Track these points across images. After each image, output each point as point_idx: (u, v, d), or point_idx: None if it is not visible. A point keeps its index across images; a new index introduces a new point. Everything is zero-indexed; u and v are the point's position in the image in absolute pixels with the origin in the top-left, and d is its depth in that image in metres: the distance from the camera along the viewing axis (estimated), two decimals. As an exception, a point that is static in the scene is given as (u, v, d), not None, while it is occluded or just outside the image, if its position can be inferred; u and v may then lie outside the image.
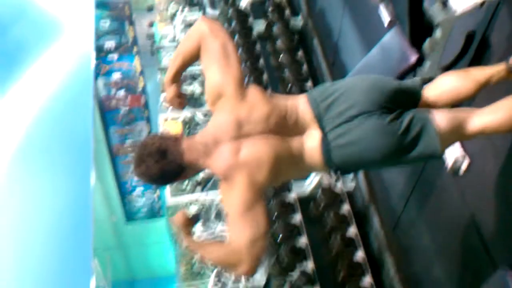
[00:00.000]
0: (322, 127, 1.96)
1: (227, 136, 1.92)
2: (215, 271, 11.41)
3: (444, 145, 1.99)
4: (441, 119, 1.98)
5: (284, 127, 1.96)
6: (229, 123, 1.94)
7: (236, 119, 1.94)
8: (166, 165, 1.90)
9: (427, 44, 2.64)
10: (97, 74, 12.39)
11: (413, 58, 2.64)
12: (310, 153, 1.96)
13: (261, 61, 6.12)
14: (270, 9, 6.40)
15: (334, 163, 1.95)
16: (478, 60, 2.85)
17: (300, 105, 2.01)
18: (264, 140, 1.92)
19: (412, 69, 2.71)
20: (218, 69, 1.97)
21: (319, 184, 5.12)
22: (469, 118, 2.03)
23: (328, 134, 1.94)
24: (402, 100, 2.03)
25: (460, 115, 2.03)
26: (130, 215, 15.45)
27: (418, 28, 2.53)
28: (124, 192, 14.70)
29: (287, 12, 6.45)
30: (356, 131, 1.92)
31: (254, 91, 2.00)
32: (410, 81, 2.22)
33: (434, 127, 1.96)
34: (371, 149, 1.92)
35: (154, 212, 15.85)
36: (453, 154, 3.18)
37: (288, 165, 1.96)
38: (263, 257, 1.90)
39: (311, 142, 1.97)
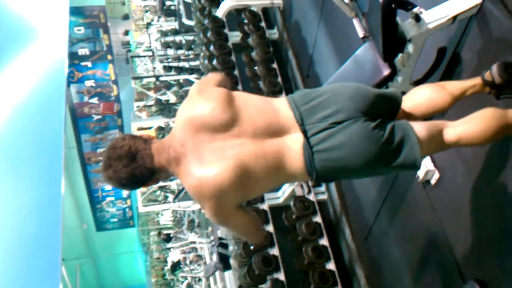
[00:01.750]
0: (304, 131, 1.91)
1: (194, 143, 1.87)
2: (186, 282, 11.32)
3: (423, 155, 2.00)
4: (419, 129, 2.00)
5: (262, 131, 1.90)
6: (198, 127, 1.89)
7: (206, 122, 1.89)
8: (136, 169, 1.83)
9: (399, 58, 2.69)
10: (70, 81, 12.28)
11: (386, 72, 2.68)
12: (290, 157, 1.90)
13: (236, 71, 6.13)
14: (246, 20, 6.43)
15: (315, 169, 1.90)
16: (449, 75, 2.91)
17: (280, 108, 1.96)
18: (231, 155, 1.84)
19: (385, 83, 2.74)
20: None
21: (291, 195, 5.13)
22: (444, 129, 2.06)
23: (310, 138, 1.90)
24: (383, 107, 2.03)
25: (436, 127, 2.06)
26: (100, 224, 15.27)
27: (391, 42, 2.57)
28: (95, 201, 14.53)
29: (263, 24, 6.49)
30: (340, 136, 1.88)
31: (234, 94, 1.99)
32: (391, 90, 2.22)
33: (416, 136, 1.97)
34: (354, 155, 1.89)
35: (125, 222, 15.70)
36: (424, 166, 3.23)
37: (263, 174, 1.88)
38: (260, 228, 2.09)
39: (292, 146, 1.90)
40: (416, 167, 1.99)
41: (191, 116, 1.90)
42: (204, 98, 1.92)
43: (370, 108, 1.94)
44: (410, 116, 2.14)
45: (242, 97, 1.97)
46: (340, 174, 1.98)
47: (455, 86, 2.26)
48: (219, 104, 1.89)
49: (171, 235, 14.02)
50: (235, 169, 1.82)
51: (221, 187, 1.81)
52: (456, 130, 2.05)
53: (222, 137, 1.87)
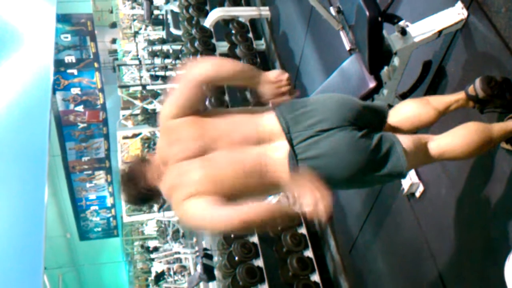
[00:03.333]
0: (289, 140, 1.89)
1: (174, 157, 1.91)
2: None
3: (409, 166, 2.00)
4: (405, 141, 2.01)
5: (246, 141, 1.89)
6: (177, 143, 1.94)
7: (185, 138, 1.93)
8: (137, 191, 1.98)
9: (385, 71, 2.71)
10: (55, 88, 12.20)
11: (371, 85, 2.69)
12: (275, 166, 1.88)
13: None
14: (233, 31, 6.46)
15: None
16: (434, 88, 2.93)
17: (265, 117, 1.95)
18: (210, 162, 1.86)
19: (370, 96, 2.76)
20: None
21: (276, 206, 5.12)
22: (428, 143, 2.07)
23: (296, 146, 1.87)
24: (370, 118, 2.03)
25: (421, 140, 2.07)
26: (84, 233, 15.11)
27: (377, 55, 2.59)
28: (79, 210, 14.39)
29: (250, 34, 6.52)
30: (326, 144, 1.87)
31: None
32: (378, 102, 2.23)
33: (402, 148, 1.97)
34: (340, 163, 1.87)
35: (109, 231, 15.56)
36: (409, 179, 3.24)
37: (246, 182, 1.87)
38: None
39: (277, 155, 1.88)
40: (402, 176, 2.01)
41: (167, 153, 1.94)
42: (171, 140, 1.93)
43: (356, 118, 1.94)
44: (396, 130, 2.15)
45: (215, 113, 1.98)
46: (326, 183, 1.97)
47: (439, 101, 2.27)
48: (185, 140, 1.90)
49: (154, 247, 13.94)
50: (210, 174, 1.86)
51: (192, 180, 1.86)
52: (440, 144, 2.06)
53: (201, 153, 1.89)
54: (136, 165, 2.02)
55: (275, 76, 1.98)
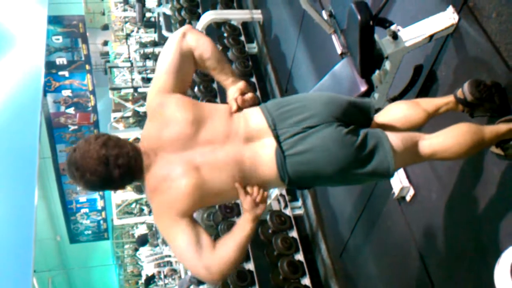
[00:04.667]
0: (276, 136, 1.90)
1: (166, 144, 1.86)
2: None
3: (397, 164, 2.00)
4: (394, 139, 2.01)
5: (236, 137, 1.89)
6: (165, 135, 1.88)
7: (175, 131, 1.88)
8: (127, 169, 1.82)
9: (376, 75, 2.71)
10: (46, 90, 12.14)
11: (363, 88, 2.69)
12: (263, 162, 1.89)
13: (215, 84, 6.14)
14: (225, 34, 6.46)
15: (287, 173, 1.88)
16: (426, 92, 2.94)
17: (251, 114, 1.96)
18: (199, 166, 1.83)
19: (362, 99, 2.76)
20: None
21: (268, 209, 5.12)
22: (419, 142, 2.06)
23: (283, 143, 1.89)
24: (356, 115, 2.04)
25: (412, 138, 2.06)
26: (74, 236, 15.02)
27: (368, 59, 2.59)
28: (69, 212, 14.30)
29: (242, 38, 6.52)
30: (313, 139, 1.88)
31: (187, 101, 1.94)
32: (363, 99, 2.23)
33: (389, 144, 1.97)
34: (327, 158, 1.88)
35: (100, 234, 15.49)
36: (399, 182, 3.25)
37: (230, 182, 1.85)
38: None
39: (264, 151, 1.89)
40: (389, 175, 1.99)
41: (159, 137, 1.88)
42: (163, 121, 1.89)
43: (342, 114, 1.95)
44: (385, 130, 2.15)
45: (207, 107, 1.97)
46: (313, 179, 1.97)
47: (429, 103, 2.28)
48: (182, 122, 1.87)
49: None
50: (195, 182, 1.82)
51: (177, 193, 1.81)
52: (431, 143, 2.06)
53: (191, 146, 1.86)
54: (121, 145, 1.84)
55: (241, 88, 2.01)
